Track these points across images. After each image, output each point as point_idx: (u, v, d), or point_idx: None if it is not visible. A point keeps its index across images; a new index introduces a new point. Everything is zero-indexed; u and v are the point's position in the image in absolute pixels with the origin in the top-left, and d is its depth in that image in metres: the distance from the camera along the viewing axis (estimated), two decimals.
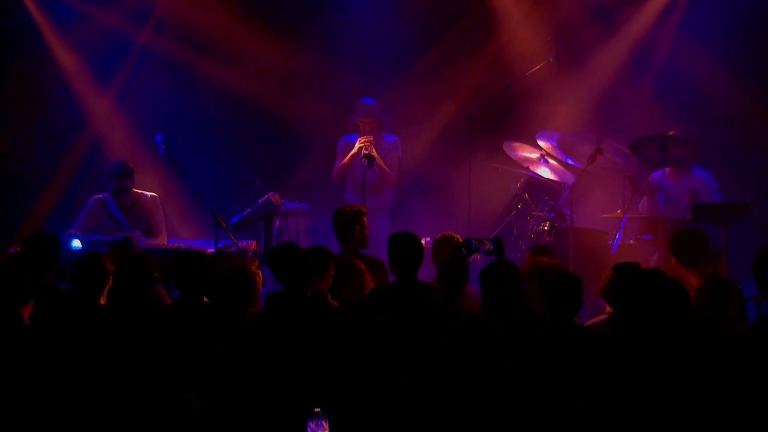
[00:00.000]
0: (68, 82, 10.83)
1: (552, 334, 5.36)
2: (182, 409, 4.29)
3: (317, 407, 4.41)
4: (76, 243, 8.24)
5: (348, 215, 7.70)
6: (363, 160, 9.35)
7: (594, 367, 5.00)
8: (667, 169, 9.10)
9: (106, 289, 6.21)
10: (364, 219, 7.74)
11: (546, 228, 8.98)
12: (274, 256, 6.38)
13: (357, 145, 9.65)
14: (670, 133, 9.09)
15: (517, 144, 9.47)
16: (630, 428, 4.63)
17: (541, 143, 9.35)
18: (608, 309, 6.31)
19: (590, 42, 10.85)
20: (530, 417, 4.67)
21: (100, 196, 9.13)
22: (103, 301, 6.24)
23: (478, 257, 9.74)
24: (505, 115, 10.61)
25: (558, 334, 5.35)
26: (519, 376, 4.94)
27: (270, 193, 8.96)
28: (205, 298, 6.14)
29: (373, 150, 9.51)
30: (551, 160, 9.34)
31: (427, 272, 7.45)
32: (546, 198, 9.16)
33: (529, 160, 9.39)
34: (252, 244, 8.77)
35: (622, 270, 6.20)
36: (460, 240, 7.36)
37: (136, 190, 9.15)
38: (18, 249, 7.46)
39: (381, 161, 9.66)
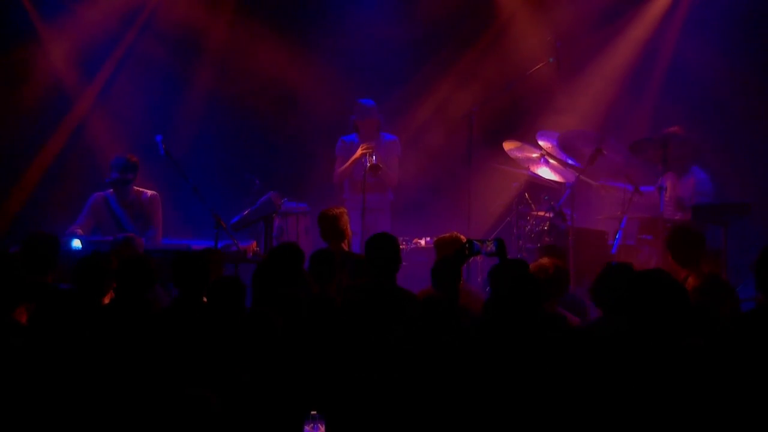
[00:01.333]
0: (57, 79, 10.85)
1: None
2: (201, 407, 4.30)
3: (313, 410, 4.40)
4: (76, 243, 8.24)
5: (336, 216, 7.71)
6: (369, 172, 9.31)
7: (583, 369, 4.99)
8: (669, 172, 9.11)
9: (110, 289, 6.23)
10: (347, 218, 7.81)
11: (546, 228, 8.97)
12: (272, 257, 6.39)
13: (359, 152, 9.60)
14: (672, 129, 9.09)
15: (517, 144, 9.47)
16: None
17: (541, 143, 9.35)
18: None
19: (593, 43, 10.85)
20: (527, 417, 4.68)
21: (102, 193, 9.14)
22: (107, 301, 6.25)
23: (478, 258, 9.76)
24: (505, 115, 10.61)
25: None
26: (518, 377, 4.94)
27: (270, 193, 8.96)
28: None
29: (377, 159, 9.45)
30: (551, 160, 9.34)
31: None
32: (546, 198, 9.16)
33: (529, 160, 9.39)
34: (252, 245, 8.77)
35: (613, 271, 6.17)
36: (463, 239, 7.36)
37: (137, 188, 9.16)
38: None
39: (385, 168, 9.58)
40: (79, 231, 8.81)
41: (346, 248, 7.75)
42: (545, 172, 9.35)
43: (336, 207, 8.01)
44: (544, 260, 6.82)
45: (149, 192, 9.21)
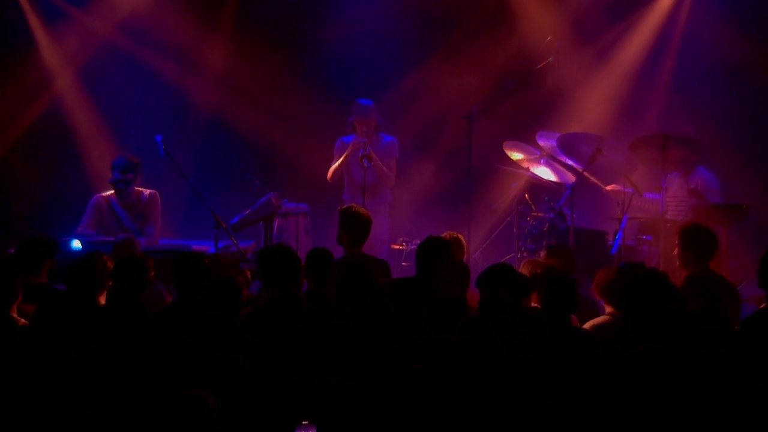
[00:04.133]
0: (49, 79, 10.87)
1: (548, 335, 5.36)
2: (198, 407, 4.29)
3: (305, 416, 4.35)
4: (76, 244, 8.24)
5: (364, 218, 7.54)
6: (363, 160, 9.32)
7: (592, 369, 4.99)
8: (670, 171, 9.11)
9: (104, 290, 6.23)
10: None
11: (546, 229, 8.97)
12: (263, 257, 6.36)
13: (351, 148, 9.61)
14: (671, 131, 9.09)
15: (517, 144, 9.47)
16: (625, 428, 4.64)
17: (541, 143, 9.35)
18: (608, 309, 6.30)
19: (595, 43, 10.85)
20: (525, 418, 4.67)
21: (104, 194, 9.15)
22: (103, 301, 6.25)
23: (478, 257, 9.76)
24: (505, 115, 10.59)
25: (553, 335, 5.34)
26: (514, 377, 4.94)
27: (270, 194, 8.95)
28: None
29: (370, 150, 9.46)
30: (551, 161, 9.34)
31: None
32: (546, 198, 9.16)
33: (529, 160, 9.39)
34: (252, 245, 8.76)
35: (626, 270, 6.18)
36: (463, 240, 7.34)
37: (137, 188, 9.16)
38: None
39: (379, 162, 9.60)
40: (91, 232, 8.83)
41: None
42: (545, 173, 9.35)
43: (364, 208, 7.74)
44: (551, 260, 6.83)
45: (148, 191, 9.21)
